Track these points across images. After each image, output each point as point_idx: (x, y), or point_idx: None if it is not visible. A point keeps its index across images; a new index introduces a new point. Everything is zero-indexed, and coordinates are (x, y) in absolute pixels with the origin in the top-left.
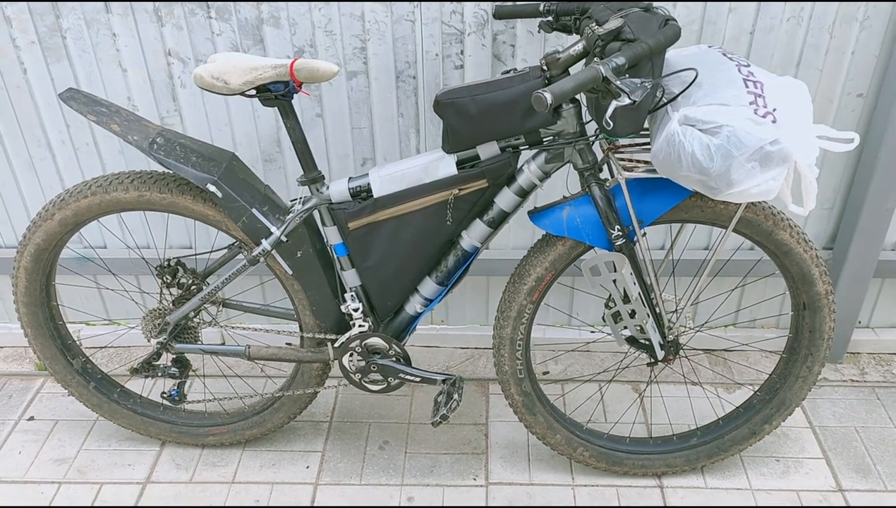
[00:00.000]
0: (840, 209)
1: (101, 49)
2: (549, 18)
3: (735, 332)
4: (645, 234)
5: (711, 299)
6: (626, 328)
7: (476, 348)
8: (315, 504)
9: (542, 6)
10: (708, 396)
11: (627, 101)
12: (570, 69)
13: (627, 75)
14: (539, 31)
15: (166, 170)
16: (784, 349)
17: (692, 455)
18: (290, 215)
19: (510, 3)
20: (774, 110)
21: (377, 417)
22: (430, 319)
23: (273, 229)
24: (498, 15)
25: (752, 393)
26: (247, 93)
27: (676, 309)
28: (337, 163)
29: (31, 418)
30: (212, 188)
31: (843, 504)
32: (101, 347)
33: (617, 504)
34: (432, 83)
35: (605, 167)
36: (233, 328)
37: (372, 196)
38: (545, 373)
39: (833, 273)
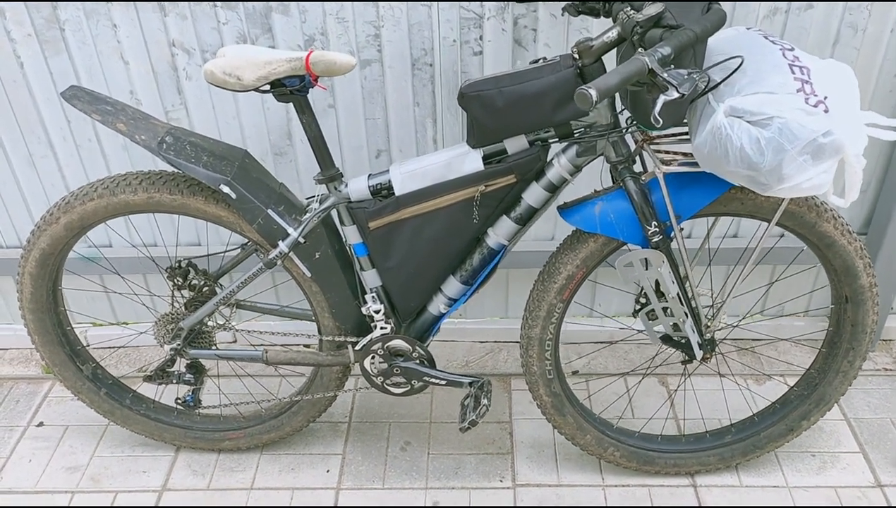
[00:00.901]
0: (875, 192)
1: (101, 41)
2: (575, 0)
3: (764, 322)
4: (682, 230)
5: (740, 289)
6: (660, 325)
7: (496, 342)
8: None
9: None
10: (740, 388)
11: (676, 95)
12: (602, 57)
13: (672, 66)
14: (563, 14)
15: (176, 171)
16: (823, 343)
17: (726, 452)
18: (308, 215)
19: None
20: (826, 98)
21: (397, 417)
22: None
23: (290, 230)
24: None
25: (789, 388)
26: (261, 88)
27: (713, 304)
28: (350, 156)
29: (41, 424)
30: (225, 189)
31: (885, 502)
32: (111, 348)
33: (650, 505)
34: (450, 71)
35: (636, 159)
36: (249, 332)
37: (393, 193)
38: (574, 373)
39: None
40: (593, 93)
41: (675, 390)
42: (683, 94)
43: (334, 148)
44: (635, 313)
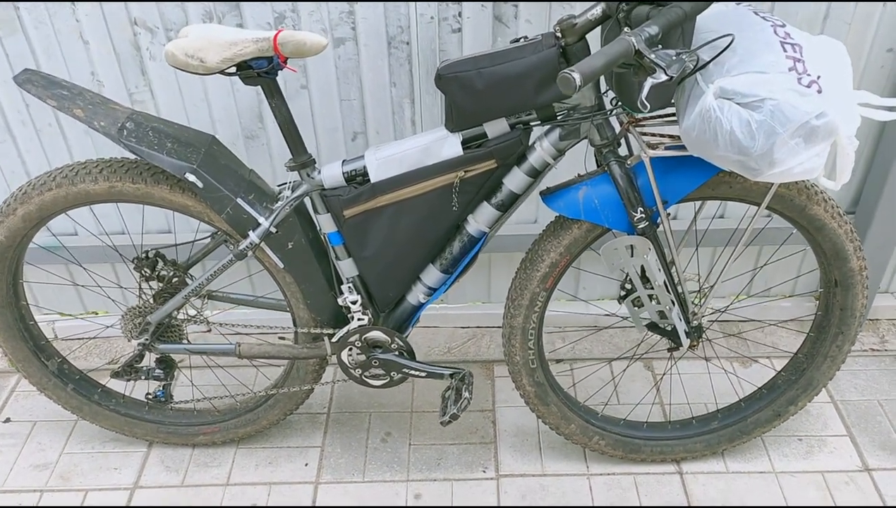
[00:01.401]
0: (864, 171)
1: (59, 20)
2: None
3: (750, 306)
4: (669, 215)
5: (728, 273)
6: (645, 312)
7: (478, 327)
8: (317, 505)
9: None
10: (726, 373)
11: (664, 78)
12: (587, 36)
13: (660, 46)
14: None
15: (139, 158)
16: (811, 327)
17: (713, 439)
18: (279, 203)
19: None
20: (819, 78)
21: (378, 406)
22: None
23: (261, 219)
24: None
25: (776, 373)
26: (226, 71)
27: (700, 289)
28: (325, 138)
29: (7, 419)
30: (191, 177)
31: (872, 488)
32: (80, 339)
33: (637, 504)
34: (427, 49)
35: (621, 142)
36: (221, 325)
37: (368, 180)
38: (558, 362)
39: None
40: (577, 76)
41: (662, 376)
42: (672, 77)
43: (308, 130)
44: (620, 299)
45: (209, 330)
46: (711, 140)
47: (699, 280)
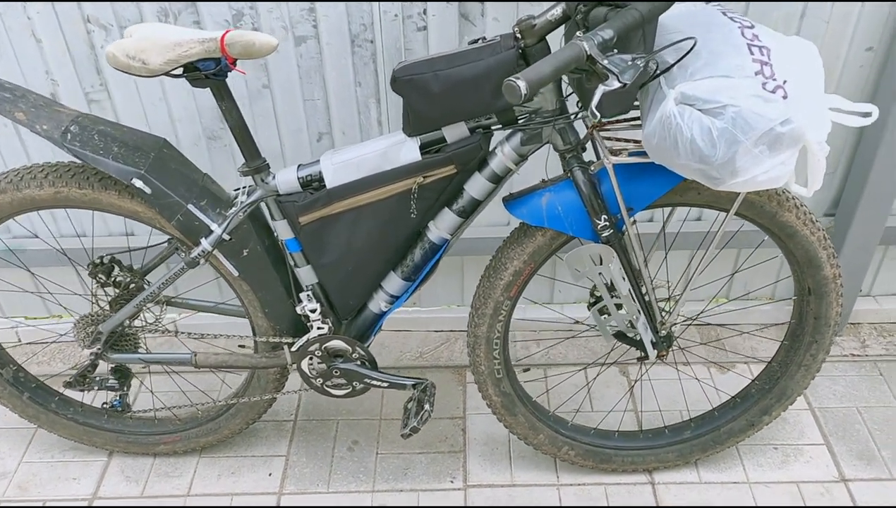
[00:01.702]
0: (844, 172)
1: (9, 17)
2: None
3: (726, 307)
4: (635, 222)
5: (701, 280)
6: (613, 321)
7: (451, 331)
8: (281, 505)
9: None
10: (700, 382)
11: (617, 85)
12: (547, 37)
13: (616, 50)
14: None
15: None
16: (785, 336)
17: (685, 449)
18: (233, 209)
19: None
20: (785, 83)
21: (346, 413)
22: None
23: (213, 226)
24: None
25: (750, 382)
26: (172, 73)
27: (670, 297)
28: (289, 140)
29: None
30: (138, 183)
31: (848, 498)
32: (42, 343)
33: (605, 504)
34: (392, 47)
35: (587, 146)
36: (178, 334)
37: (324, 185)
38: (525, 370)
39: (835, 241)
40: (522, 84)
41: (634, 382)
42: (625, 84)
43: (272, 131)
44: (589, 306)
45: (175, 335)
46: (672, 147)
47: (669, 287)
